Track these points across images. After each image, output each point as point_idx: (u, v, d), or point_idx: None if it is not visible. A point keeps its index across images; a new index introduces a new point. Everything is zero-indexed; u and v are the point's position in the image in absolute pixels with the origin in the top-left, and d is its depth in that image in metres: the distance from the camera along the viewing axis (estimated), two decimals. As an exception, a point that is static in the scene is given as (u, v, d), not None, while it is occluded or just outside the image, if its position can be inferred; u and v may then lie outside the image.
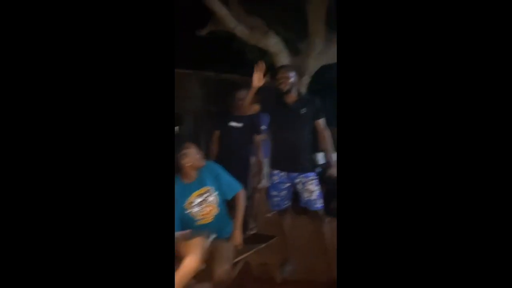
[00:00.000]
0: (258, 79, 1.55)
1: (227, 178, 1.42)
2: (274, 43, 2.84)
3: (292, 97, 1.64)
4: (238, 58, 3.88)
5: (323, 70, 3.08)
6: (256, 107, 1.74)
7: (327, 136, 1.66)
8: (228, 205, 1.43)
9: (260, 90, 1.69)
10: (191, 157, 1.31)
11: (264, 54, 3.21)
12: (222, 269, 1.09)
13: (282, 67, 1.73)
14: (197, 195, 1.32)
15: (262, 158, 2.19)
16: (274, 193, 1.69)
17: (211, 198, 1.34)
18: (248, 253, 1.44)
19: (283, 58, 2.89)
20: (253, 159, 2.31)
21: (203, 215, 1.32)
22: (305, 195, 1.58)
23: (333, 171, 1.65)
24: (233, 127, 2.05)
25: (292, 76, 1.62)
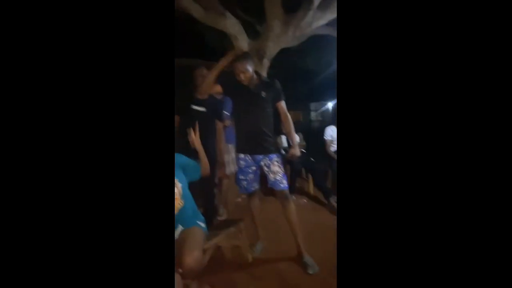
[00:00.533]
0: (228, 59, 1.55)
1: (191, 163, 1.39)
2: (232, 25, 2.76)
3: (252, 83, 1.65)
4: (196, 41, 3.70)
5: (282, 53, 3.11)
6: (218, 88, 1.69)
7: (288, 118, 1.71)
8: (194, 192, 1.41)
9: (221, 74, 1.65)
10: None
11: (223, 37, 3.10)
12: (191, 257, 1.09)
13: (238, 58, 1.62)
14: None
15: (223, 145, 2.18)
16: (242, 177, 1.72)
17: (175, 190, 1.30)
18: (219, 237, 1.46)
19: (242, 41, 2.83)
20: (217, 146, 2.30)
21: None
22: (271, 176, 1.64)
23: (296, 151, 1.72)
24: (196, 111, 1.99)
25: (249, 68, 1.60)
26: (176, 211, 1.29)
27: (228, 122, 2.21)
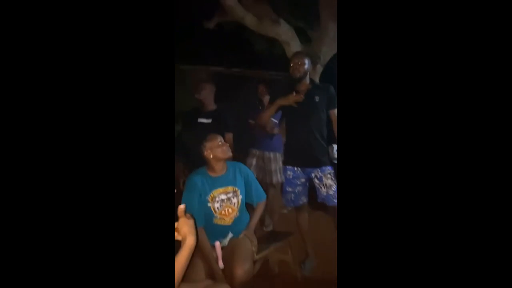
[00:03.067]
0: (288, 99, 1.55)
1: (256, 183, 1.43)
2: (285, 31, 2.78)
3: (304, 85, 1.61)
4: (247, 50, 3.84)
5: (336, 59, 2.99)
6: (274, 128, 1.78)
7: None
8: (248, 207, 1.44)
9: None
10: (213, 149, 1.29)
11: (273, 45, 3.14)
12: (243, 269, 1.09)
13: (297, 53, 1.69)
14: (223, 192, 1.32)
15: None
16: (289, 189, 1.68)
17: (234, 200, 1.33)
18: (268, 251, 1.45)
19: (294, 47, 2.83)
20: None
21: (222, 214, 1.32)
22: (323, 190, 1.56)
23: None
24: (202, 124, 1.96)
25: (306, 63, 1.59)
26: (230, 221, 1.33)
27: (276, 130, 2.20)
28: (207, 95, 2.05)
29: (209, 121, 2.00)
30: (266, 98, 2.20)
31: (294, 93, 1.56)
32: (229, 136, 2.00)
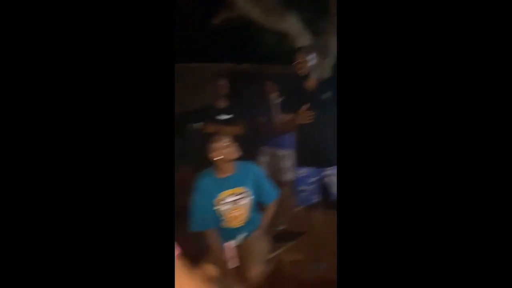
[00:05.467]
0: (302, 118, 1.54)
1: (267, 183, 1.41)
2: (293, 24, 2.74)
3: (312, 82, 1.59)
4: (255, 45, 3.82)
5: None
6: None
7: None
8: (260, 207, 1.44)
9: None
10: (220, 150, 1.28)
11: (283, 38, 3.11)
12: (256, 270, 1.11)
13: (299, 49, 1.66)
14: (231, 194, 1.31)
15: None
16: (301, 187, 1.68)
17: (244, 201, 1.31)
18: (280, 251, 1.47)
19: (304, 39, 2.78)
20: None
21: (231, 217, 1.32)
22: (334, 189, 1.55)
23: None
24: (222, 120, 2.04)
25: (311, 59, 1.56)
26: (240, 224, 1.33)
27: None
28: (225, 91, 2.13)
29: (231, 116, 2.07)
30: (274, 95, 2.20)
31: (303, 109, 1.55)
32: (241, 125, 2.08)
